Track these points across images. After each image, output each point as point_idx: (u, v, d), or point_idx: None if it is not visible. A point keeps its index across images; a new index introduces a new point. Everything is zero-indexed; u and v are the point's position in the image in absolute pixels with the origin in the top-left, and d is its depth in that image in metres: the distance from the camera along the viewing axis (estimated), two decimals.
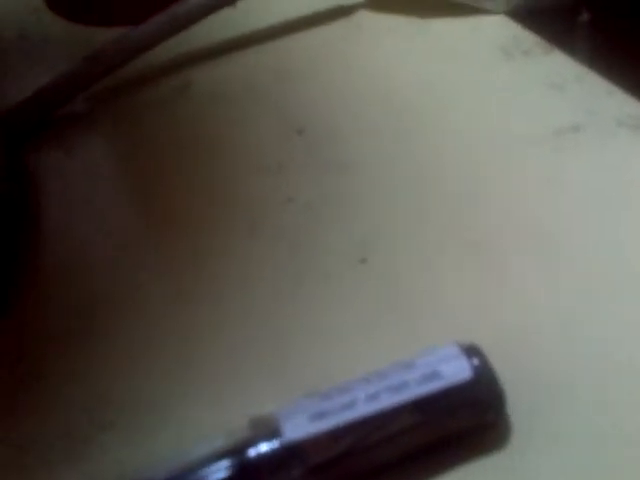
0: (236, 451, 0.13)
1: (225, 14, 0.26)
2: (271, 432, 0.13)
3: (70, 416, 0.16)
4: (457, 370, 0.14)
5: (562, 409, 0.15)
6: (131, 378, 0.16)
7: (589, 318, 0.16)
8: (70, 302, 0.19)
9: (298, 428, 0.13)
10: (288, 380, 0.16)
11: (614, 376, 0.15)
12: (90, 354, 0.17)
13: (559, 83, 0.24)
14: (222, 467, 0.13)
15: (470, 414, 0.14)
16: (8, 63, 0.27)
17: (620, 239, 0.19)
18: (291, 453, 0.13)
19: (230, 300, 0.18)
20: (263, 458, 0.13)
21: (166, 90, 0.25)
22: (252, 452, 0.13)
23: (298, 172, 0.21)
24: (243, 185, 0.22)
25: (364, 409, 0.13)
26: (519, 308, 0.17)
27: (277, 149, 0.23)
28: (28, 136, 0.24)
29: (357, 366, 0.15)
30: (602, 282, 0.17)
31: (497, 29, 0.27)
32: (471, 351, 0.14)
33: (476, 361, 0.14)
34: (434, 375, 0.14)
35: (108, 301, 0.19)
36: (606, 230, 0.19)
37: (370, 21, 0.28)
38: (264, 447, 0.13)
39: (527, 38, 0.26)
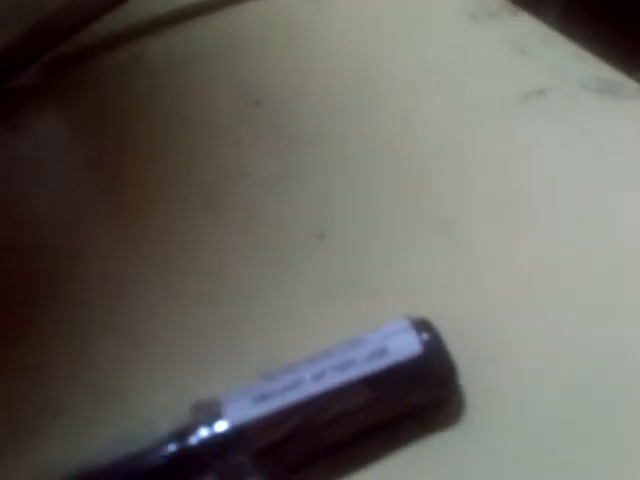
0: (179, 436, 0.13)
1: None
2: (213, 416, 0.13)
3: (15, 404, 0.15)
4: (406, 345, 0.13)
5: (516, 385, 0.14)
6: (76, 363, 0.16)
7: (548, 292, 0.16)
8: (14, 284, 0.18)
9: (241, 411, 0.13)
10: (239, 362, 0.16)
11: (568, 352, 0.15)
12: (34, 338, 0.17)
13: (525, 46, 0.23)
14: (165, 453, 0.13)
15: (421, 391, 0.14)
16: None
17: (586, 206, 0.18)
18: (234, 437, 0.13)
19: (182, 278, 0.18)
20: (205, 443, 0.13)
21: (118, 60, 0.24)
22: (194, 438, 0.13)
23: (255, 145, 0.21)
24: (198, 158, 0.21)
25: (309, 389, 0.13)
26: (477, 283, 0.17)
27: (233, 121, 0.22)
28: None
29: (310, 345, 0.15)
30: (565, 252, 0.17)
31: None
32: (421, 326, 0.14)
33: (426, 336, 0.14)
34: (382, 351, 0.13)
35: (54, 283, 0.18)
36: (572, 196, 0.18)
37: None
38: (205, 432, 0.13)
39: (493, 0, 0.25)
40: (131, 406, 0.15)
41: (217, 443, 0.13)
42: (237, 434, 0.13)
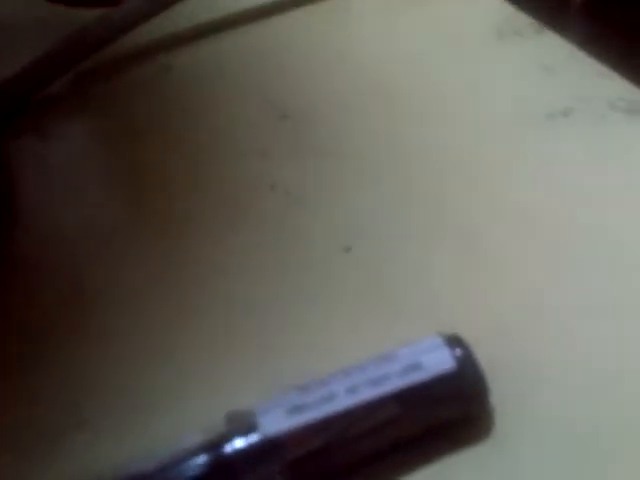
0: (212, 446, 0.13)
1: None
2: (248, 427, 0.13)
3: (45, 413, 0.15)
4: (439, 361, 0.13)
5: (545, 401, 0.14)
6: (108, 373, 0.16)
7: (577, 309, 0.16)
8: (48, 293, 0.18)
9: (275, 422, 0.13)
10: (269, 374, 0.16)
11: (598, 368, 0.15)
12: (66, 348, 0.17)
13: (551, 65, 0.23)
14: (198, 463, 0.13)
15: (453, 406, 0.14)
16: None
17: (611, 224, 0.18)
18: (268, 448, 0.13)
19: (211, 289, 0.18)
20: (239, 453, 0.13)
21: (147, 73, 0.25)
22: (228, 447, 0.13)
23: (282, 158, 0.21)
24: (226, 171, 0.21)
25: (343, 402, 0.13)
26: (505, 298, 0.17)
27: (261, 134, 0.22)
28: (5, 120, 0.23)
29: (340, 358, 0.15)
30: (593, 270, 0.17)
31: (490, 9, 0.26)
32: (454, 342, 0.14)
33: (459, 352, 0.14)
34: (415, 366, 0.13)
35: (87, 292, 0.18)
36: (597, 215, 0.18)
37: (359, 1, 0.28)
38: (240, 442, 0.13)
39: (520, 19, 0.26)
40: (161, 417, 0.15)
41: (252, 453, 0.13)
42: (271, 445, 0.13)
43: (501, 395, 0.14)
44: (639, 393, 0.14)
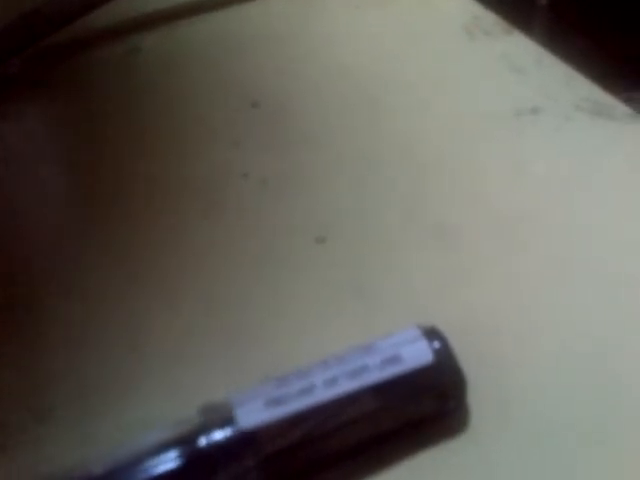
0: (187, 439, 0.13)
1: None
2: (224, 419, 0.13)
3: (6, 405, 0.15)
4: (418, 353, 0.13)
5: (521, 395, 0.15)
6: (74, 364, 0.15)
7: (550, 302, 0.16)
8: (3, 281, 0.17)
9: (253, 415, 0.13)
10: (243, 366, 0.15)
11: (574, 362, 0.15)
12: (28, 338, 0.16)
13: (519, 65, 0.24)
14: (172, 457, 0.12)
15: (431, 398, 0.14)
16: None
17: (576, 219, 0.18)
18: (246, 441, 0.12)
19: (182, 281, 0.17)
20: (216, 446, 0.12)
21: (114, 54, 0.24)
22: (204, 440, 0.12)
23: (254, 146, 0.21)
24: (196, 159, 0.21)
25: (322, 395, 0.13)
26: (480, 292, 0.17)
27: (231, 122, 0.22)
28: None
29: (315, 350, 0.14)
30: (562, 263, 0.17)
31: (459, 9, 0.27)
32: (432, 334, 0.14)
33: (437, 344, 0.14)
34: (394, 359, 0.13)
35: (45, 281, 0.17)
36: (564, 210, 0.19)
37: None
38: (217, 435, 0.12)
39: (488, 18, 0.26)
40: (129, 409, 0.15)
41: (230, 446, 0.12)
42: (248, 438, 0.12)
43: (477, 388, 0.14)
44: (616, 388, 0.15)
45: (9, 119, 0.22)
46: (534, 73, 0.23)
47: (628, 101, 0.22)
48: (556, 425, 0.14)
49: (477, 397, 0.14)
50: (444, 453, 0.14)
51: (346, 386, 0.13)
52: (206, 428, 0.13)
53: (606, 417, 0.14)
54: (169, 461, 0.12)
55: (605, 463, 0.13)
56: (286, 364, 0.14)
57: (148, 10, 0.25)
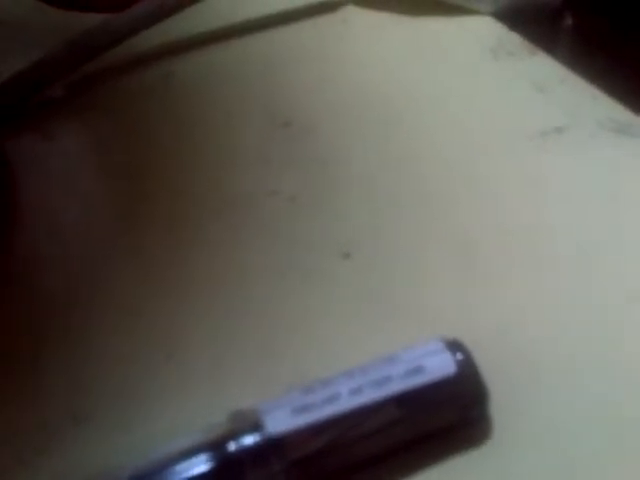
0: (217, 444, 0.13)
1: (211, 3, 0.26)
2: (252, 425, 0.13)
3: (46, 409, 0.15)
4: (441, 365, 0.14)
5: (543, 406, 0.15)
6: (110, 371, 0.16)
7: (571, 316, 0.17)
8: (47, 293, 0.18)
9: (280, 422, 0.13)
10: (269, 375, 0.16)
11: (596, 373, 0.15)
12: (68, 345, 0.17)
13: (543, 85, 0.24)
14: (202, 461, 0.13)
15: (453, 409, 0.14)
16: None
17: (600, 239, 0.19)
18: (273, 447, 0.13)
19: (211, 294, 0.18)
20: (245, 451, 0.13)
21: (148, 79, 0.25)
22: (234, 445, 0.13)
23: (283, 165, 0.21)
24: (227, 177, 0.21)
25: (347, 403, 0.13)
26: (501, 306, 0.17)
27: (262, 142, 0.22)
28: (6, 120, 0.23)
29: (339, 361, 0.15)
30: (584, 281, 0.17)
31: (483, 29, 0.27)
32: (454, 346, 0.14)
33: (460, 356, 0.14)
34: (418, 370, 0.14)
35: (87, 292, 0.18)
36: (588, 230, 0.19)
37: (356, 17, 0.28)
38: (246, 440, 0.13)
39: (512, 39, 0.26)
40: (161, 415, 0.15)
41: (257, 452, 0.13)
42: (276, 444, 0.13)
43: (499, 400, 0.14)
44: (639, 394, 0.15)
45: (52, 139, 0.23)
46: (558, 93, 0.24)
47: None
48: (578, 437, 0.14)
49: (499, 409, 0.15)
50: (465, 464, 0.14)
51: (371, 395, 0.13)
52: (235, 434, 0.13)
53: (633, 428, 0.14)
54: (198, 465, 0.13)
55: (634, 475, 0.13)
56: (311, 375, 0.14)
57: (180, 37, 0.26)
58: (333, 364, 0.15)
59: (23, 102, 0.24)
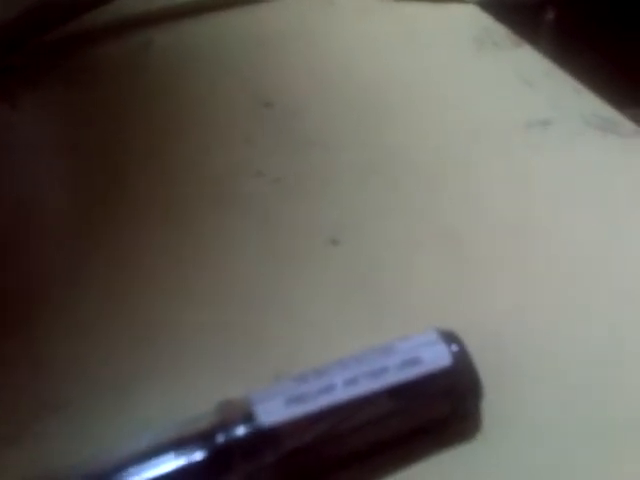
0: (206, 435, 0.12)
1: None
2: (244, 416, 0.13)
3: (21, 397, 0.14)
4: (436, 356, 0.14)
5: (536, 398, 0.15)
6: (91, 359, 0.15)
7: (563, 308, 0.17)
8: (18, 273, 0.17)
9: (273, 412, 0.13)
10: (255, 364, 0.15)
11: (588, 366, 0.15)
12: (43, 334, 0.16)
13: (529, 77, 0.24)
14: (191, 452, 0.12)
15: (447, 401, 0.14)
16: None
17: (582, 231, 0.19)
18: (265, 438, 0.12)
19: (195, 279, 0.17)
20: (236, 442, 0.12)
21: (126, 47, 0.24)
22: (223, 436, 0.12)
23: (268, 146, 0.21)
24: (209, 156, 0.21)
25: (342, 394, 0.13)
26: (490, 298, 0.17)
27: (244, 120, 0.22)
28: None
29: (327, 349, 0.14)
30: (572, 276, 0.18)
31: (469, 18, 0.27)
32: (450, 337, 0.14)
33: (455, 347, 0.14)
34: (414, 361, 0.13)
35: (63, 272, 0.17)
36: (572, 222, 0.19)
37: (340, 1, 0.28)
38: (238, 431, 0.12)
39: (497, 30, 0.26)
40: (145, 404, 0.14)
41: (250, 442, 0.12)
42: (269, 434, 0.12)
43: (490, 393, 0.14)
44: (632, 393, 0.15)
45: (19, 109, 0.22)
46: (543, 86, 0.24)
47: (634, 117, 0.23)
48: (570, 431, 0.14)
49: (489, 402, 0.14)
50: (459, 456, 0.14)
51: (366, 386, 0.13)
52: (227, 424, 0.13)
53: (624, 424, 0.14)
54: (187, 456, 0.12)
55: (621, 472, 0.14)
56: (299, 364, 0.14)
57: (161, 4, 0.25)
58: (322, 352, 0.14)
59: None
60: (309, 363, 0.14)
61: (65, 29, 0.23)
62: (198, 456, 0.12)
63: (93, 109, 0.22)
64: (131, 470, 0.12)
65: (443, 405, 0.14)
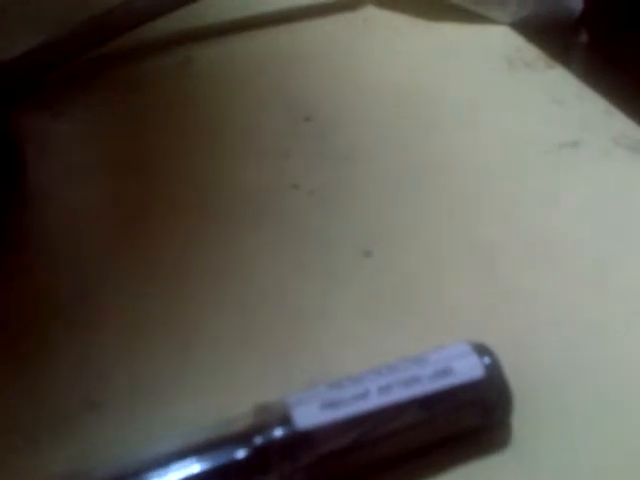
0: (244, 437, 0.13)
1: None
2: (281, 419, 0.13)
3: (63, 395, 0.15)
4: (469, 368, 0.14)
5: (565, 411, 0.15)
6: (131, 360, 0.16)
7: (590, 324, 0.17)
8: (59, 277, 0.18)
9: (309, 416, 0.13)
10: (289, 372, 0.16)
11: (618, 379, 0.15)
12: (86, 333, 0.16)
13: (559, 98, 0.24)
14: (227, 453, 0.13)
15: (477, 413, 0.14)
16: (2, 22, 0.26)
17: (612, 249, 0.19)
18: (301, 441, 0.13)
19: (232, 287, 0.18)
20: (274, 444, 0.13)
21: (166, 64, 0.25)
22: (261, 439, 0.13)
23: (305, 159, 0.21)
24: (245, 169, 0.21)
25: (376, 401, 0.13)
26: (522, 314, 0.17)
27: (283, 135, 0.22)
28: (19, 97, 0.23)
29: (360, 359, 0.15)
30: (600, 288, 0.18)
31: (501, 39, 0.27)
32: (482, 350, 0.14)
33: (487, 360, 0.14)
34: (446, 372, 0.14)
35: (100, 279, 0.18)
36: (601, 240, 0.19)
37: (375, 17, 0.28)
38: (276, 433, 0.13)
39: (529, 51, 0.27)
40: (180, 408, 0.15)
41: (287, 444, 0.13)
42: (305, 438, 0.13)
43: (519, 406, 0.15)
44: None
45: (64, 121, 0.23)
46: (574, 107, 0.24)
47: None
48: (602, 445, 0.14)
49: (518, 415, 0.15)
50: (486, 468, 0.14)
51: (400, 394, 0.13)
52: (264, 426, 0.13)
53: None
54: (227, 455, 0.13)
55: None
56: (332, 372, 0.14)
57: (203, 23, 0.26)
58: (354, 361, 0.15)
59: (37, 79, 0.23)
60: (343, 371, 0.14)
61: (108, 46, 0.24)
62: (237, 455, 0.13)
63: (131, 123, 0.23)
64: (168, 468, 0.13)
65: (473, 416, 0.14)
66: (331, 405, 0.13)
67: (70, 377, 0.16)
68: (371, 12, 0.28)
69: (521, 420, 0.15)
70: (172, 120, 0.23)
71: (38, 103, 0.23)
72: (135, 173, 0.22)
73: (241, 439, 0.13)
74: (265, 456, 0.13)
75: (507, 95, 0.25)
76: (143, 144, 0.22)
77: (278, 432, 0.13)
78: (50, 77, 0.24)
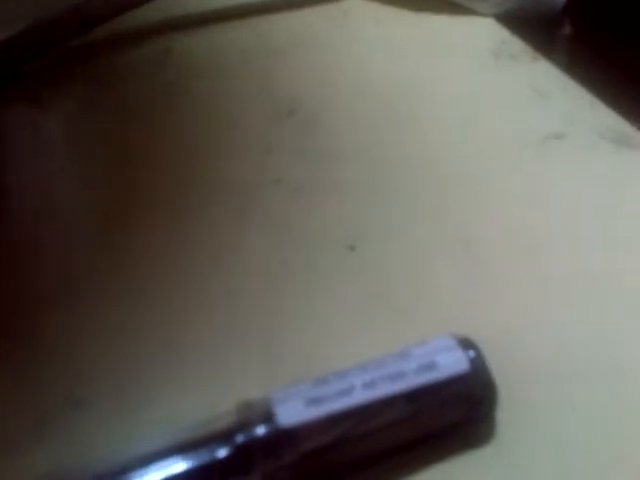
0: (226, 434, 0.13)
1: None
2: (264, 416, 0.13)
3: (46, 394, 0.15)
4: (454, 362, 0.14)
5: (549, 404, 0.15)
6: (114, 358, 0.15)
7: (578, 315, 0.17)
8: (42, 272, 0.18)
9: (293, 413, 0.13)
10: (273, 368, 0.15)
11: (602, 373, 0.15)
12: (63, 330, 0.16)
13: (544, 90, 0.24)
14: (210, 451, 0.13)
15: (462, 407, 0.14)
16: None
17: (596, 244, 0.19)
18: (284, 438, 0.13)
19: (215, 284, 0.17)
20: (256, 442, 0.13)
21: (146, 53, 0.24)
22: (245, 435, 0.13)
23: (288, 154, 0.21)
24: (229, 163, 0.21)
25: (361, 396, 0.13)
26: (506, 306, 0.17)
27: (265, 130, 0.22)
28: None
29: (344, 355, 0.15)
30: (584, 284, 0.18)
31: (486, 31, 0.27)
32: (466, 343, 0.14)
33: (472, 353, 0.14)
34: (431, 366, 0.14)
35: (84, 274, 0.17)
36: (585, 234, 0.19)
37: (357, 9, 0.28)
38: (258, 430, 0.13)
39: (514, 43, 0.27)
40: (163, 405, 0.15)
41: (270, 442, 0.13)
42: (289, 435, 0.13)
43: (506, 398, 0.15)
44: None
45: (45, 111, 0.22)
46: (558, 99, 0.24)
47: None
48: (585, 439, 0.14)
49: (504, 407, 0.15)
50: (472, 462, 0.14)
51: (384, 389, 0.13)
52: (246, 424, 0.13)
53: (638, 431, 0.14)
54: (208, 454, 0.13)
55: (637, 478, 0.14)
56: (317, 368, 0.14)
57: (183, 13, 0.25)
58: (338, 357, 0.15)
59: (17, 67, 0.23)
60: (327, 367, 0.14)
61: (87, 36, 0.23)
62: (219, 454, 0.12)
63: (112, 113, 0.22)
64: (151, 467, 0.12)
65: (458, 410, 0.14)
66: (315, 401, 0.13)
67: (53, 375, 0.15)
68: (352, 3, 0.28)
69: (505, 413, 0.15)
70: (151, 113, 0.23)
71: (19, 92, 0.23)
72: (112, 165, 0.21)
73: (223, 437, 0.13)
74: (247, 455, 0.13)
75: (491, 87, 0.24)
76: (121, 136, 0.22)
77: (260, 430, 0.13)
78: (31, 66, 0.23)
